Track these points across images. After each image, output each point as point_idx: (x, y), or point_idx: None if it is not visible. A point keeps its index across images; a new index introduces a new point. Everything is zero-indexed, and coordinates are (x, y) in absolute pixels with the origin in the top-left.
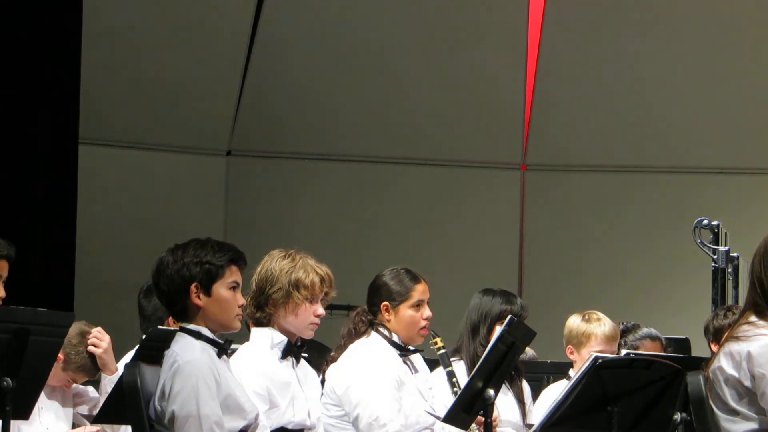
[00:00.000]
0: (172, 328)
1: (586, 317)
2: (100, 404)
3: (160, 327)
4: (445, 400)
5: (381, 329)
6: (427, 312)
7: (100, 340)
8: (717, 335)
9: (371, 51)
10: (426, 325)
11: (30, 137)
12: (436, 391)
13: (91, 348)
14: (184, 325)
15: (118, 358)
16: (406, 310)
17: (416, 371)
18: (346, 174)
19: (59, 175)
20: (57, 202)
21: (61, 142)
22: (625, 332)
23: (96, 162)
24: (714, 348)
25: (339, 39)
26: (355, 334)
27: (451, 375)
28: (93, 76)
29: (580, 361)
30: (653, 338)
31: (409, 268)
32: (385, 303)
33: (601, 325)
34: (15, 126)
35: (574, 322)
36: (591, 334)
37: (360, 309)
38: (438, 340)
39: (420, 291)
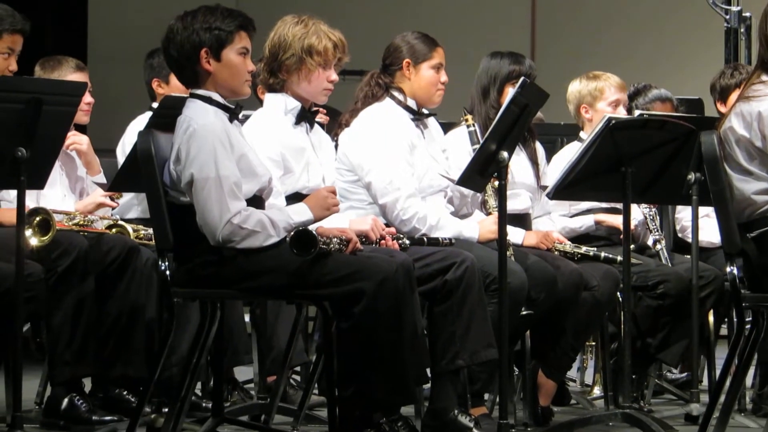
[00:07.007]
0: (181, 95)
1: (590, 75)
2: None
3: (172, 94)
4: (460, 162)
5: (395, 93)
6: (444, 77)
7: (79, 141)
8: (723, 94)
9: None
10: (442, 89)
11: None
12: (450, 153)
13: (75, 147)
14: (194, 90)
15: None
16: (427, 70)
17: (431, 135)
18: None
19: None
20: None
21: None
22: (635, 94)
23: None
24: (720, 107)
25: None
26: (372, 97)
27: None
28: None
29: (598, 117)
30: (663, 100)
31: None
32: (408, 60)
33: (609, 77)
34: None
35: (580, 83)
36: (603, 86)
37: (374, 72)
38: (469, 117)
39: (440, 54)
